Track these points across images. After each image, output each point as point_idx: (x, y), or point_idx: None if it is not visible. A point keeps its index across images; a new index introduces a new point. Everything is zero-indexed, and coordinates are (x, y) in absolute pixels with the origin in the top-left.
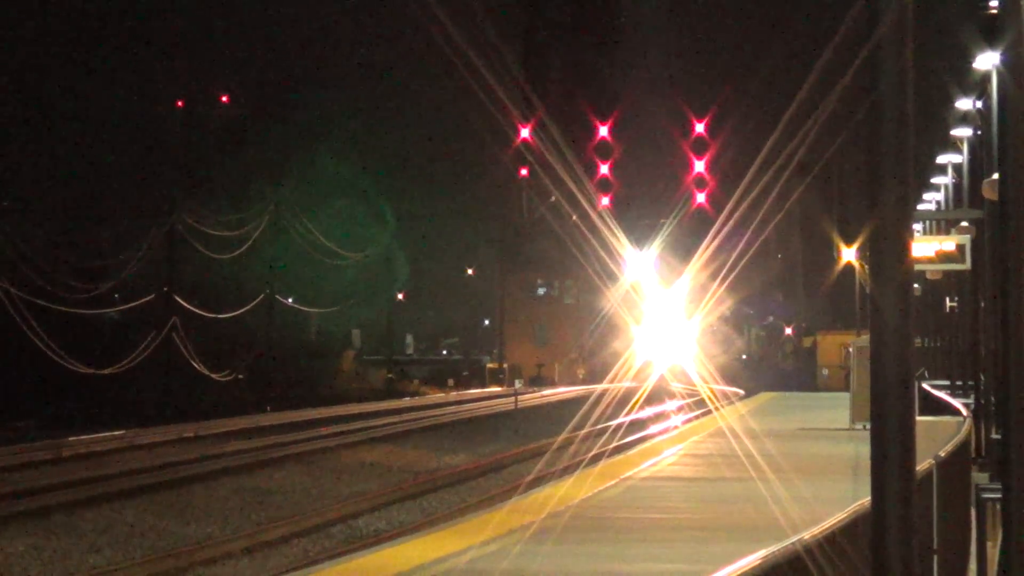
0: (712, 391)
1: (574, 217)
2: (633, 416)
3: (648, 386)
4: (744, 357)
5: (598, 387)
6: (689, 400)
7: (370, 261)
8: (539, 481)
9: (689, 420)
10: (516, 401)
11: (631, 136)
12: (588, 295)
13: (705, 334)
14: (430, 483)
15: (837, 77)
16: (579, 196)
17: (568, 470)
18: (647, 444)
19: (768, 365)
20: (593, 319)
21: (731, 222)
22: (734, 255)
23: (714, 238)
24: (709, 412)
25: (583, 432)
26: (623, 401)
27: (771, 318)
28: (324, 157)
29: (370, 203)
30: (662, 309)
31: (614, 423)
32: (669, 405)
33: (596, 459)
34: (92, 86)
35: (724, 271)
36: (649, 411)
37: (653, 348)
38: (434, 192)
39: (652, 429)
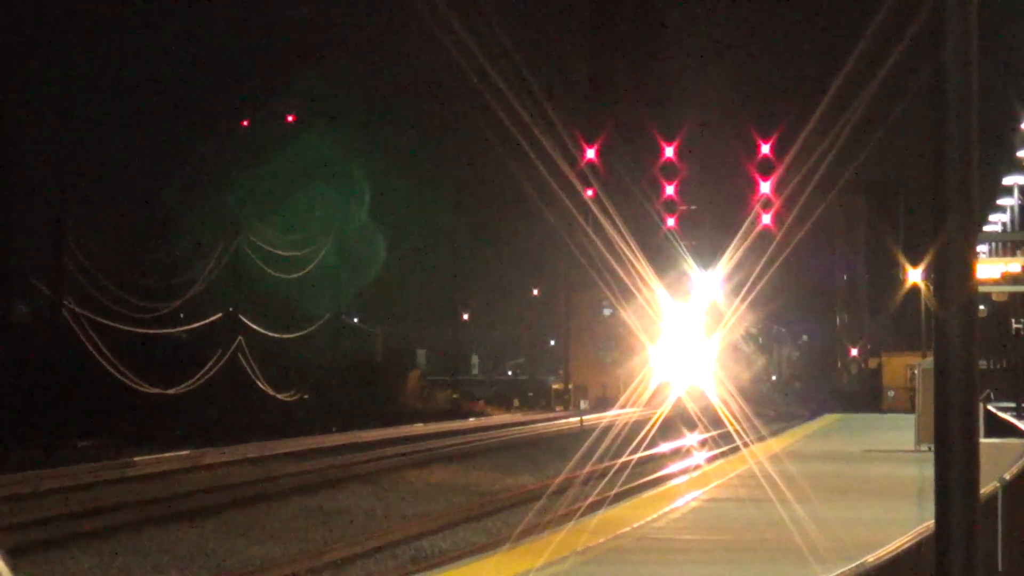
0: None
1: (590, 231)
2: (699, 437)
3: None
4: (773, 378)
5: (662, 409)
6: (748, 422)
7: (437, 282)
8: (604, 502)
9: (750, 443)
10: (582, 422)
11: (697, 157)
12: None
13: (726, 352)
14: (495, 503)
15: (899, 98)
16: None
17: (634, 491)
18: (713, 465)
19: (804, 386)
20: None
21: (750, 239)
22: (758, 268)
23: (736, 251)
24: (775, 432)
25: (648, 454)
26: (688, 422)
27: (805, 337)
28: (388, 174)
29: (437, 222)
30: (717, 327)
31: (678, 444)
32: (730, 426)
33: (660, 481)
34: (158, 105)
35: (748, 285)
36: (712, 432)
37: (700, 369)
38: (500, 212)
39: (717, 450)
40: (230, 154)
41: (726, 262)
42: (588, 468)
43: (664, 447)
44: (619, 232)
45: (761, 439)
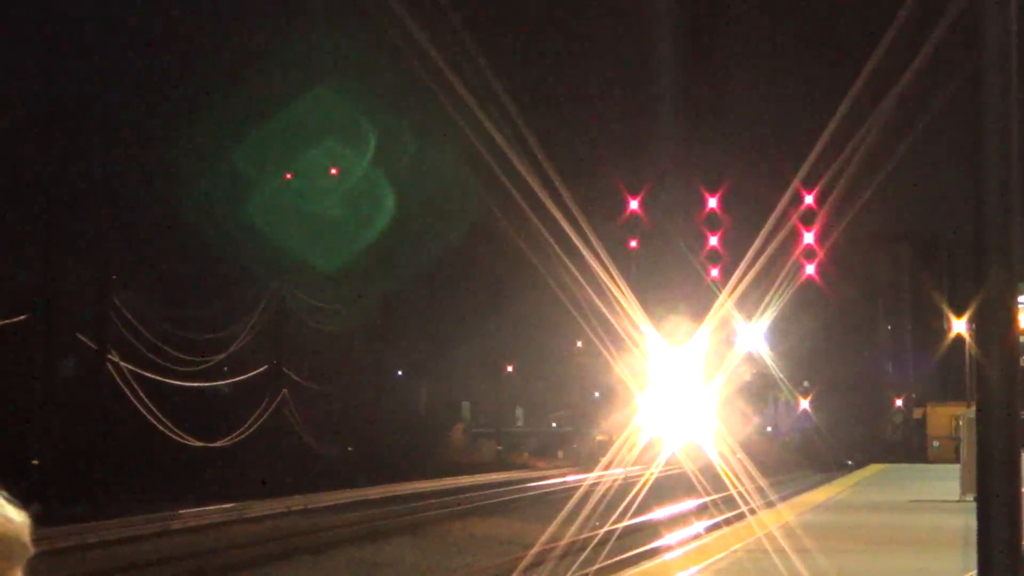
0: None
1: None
2: (740, 488)
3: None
4: (768, 430)
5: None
6: (795, 474)
7: (484, 336)
8: (652, 554)
9: (794, 494)
10: (625, 473)
11: (740, 207)
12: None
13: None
14: (539, 555)
15: (941, 145)
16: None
17: (683, 543)
18: (757, 515)
19: (798, 439)
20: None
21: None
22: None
23: (731, 291)
24: (824, 482)
25: (695, 505)
26: (734, 472)
27: (805, 383)
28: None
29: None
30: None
31: (723, 495)
32: (777, 476)
33: (712, 529)
34: (200, 158)
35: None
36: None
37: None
38: (544, 266)
39: (767, 497)
40: (274, 204)
41: (766, 312)
42: (634, 520)
43: (707, 498)
44: (613, 279)
45: (787, 497)
